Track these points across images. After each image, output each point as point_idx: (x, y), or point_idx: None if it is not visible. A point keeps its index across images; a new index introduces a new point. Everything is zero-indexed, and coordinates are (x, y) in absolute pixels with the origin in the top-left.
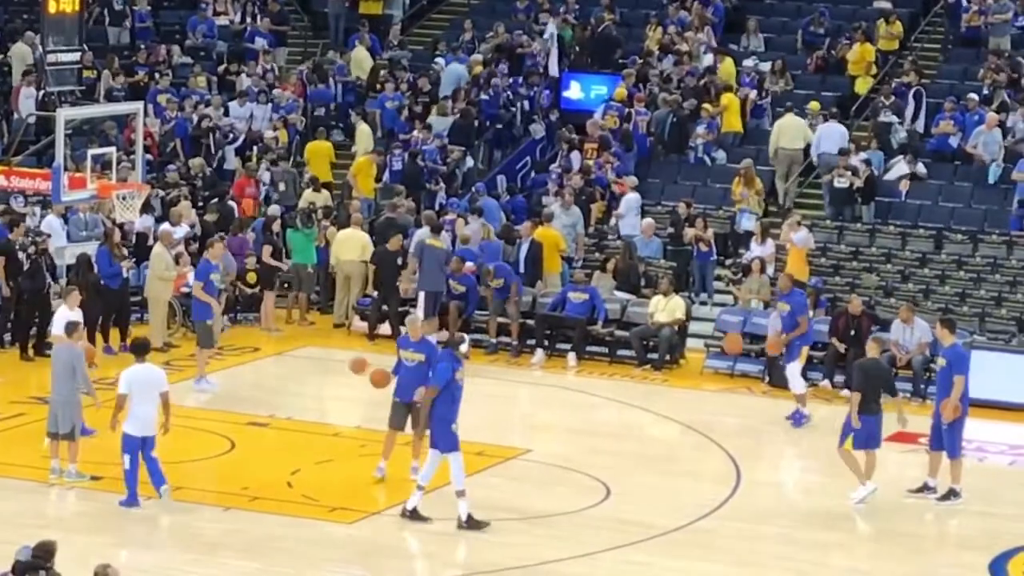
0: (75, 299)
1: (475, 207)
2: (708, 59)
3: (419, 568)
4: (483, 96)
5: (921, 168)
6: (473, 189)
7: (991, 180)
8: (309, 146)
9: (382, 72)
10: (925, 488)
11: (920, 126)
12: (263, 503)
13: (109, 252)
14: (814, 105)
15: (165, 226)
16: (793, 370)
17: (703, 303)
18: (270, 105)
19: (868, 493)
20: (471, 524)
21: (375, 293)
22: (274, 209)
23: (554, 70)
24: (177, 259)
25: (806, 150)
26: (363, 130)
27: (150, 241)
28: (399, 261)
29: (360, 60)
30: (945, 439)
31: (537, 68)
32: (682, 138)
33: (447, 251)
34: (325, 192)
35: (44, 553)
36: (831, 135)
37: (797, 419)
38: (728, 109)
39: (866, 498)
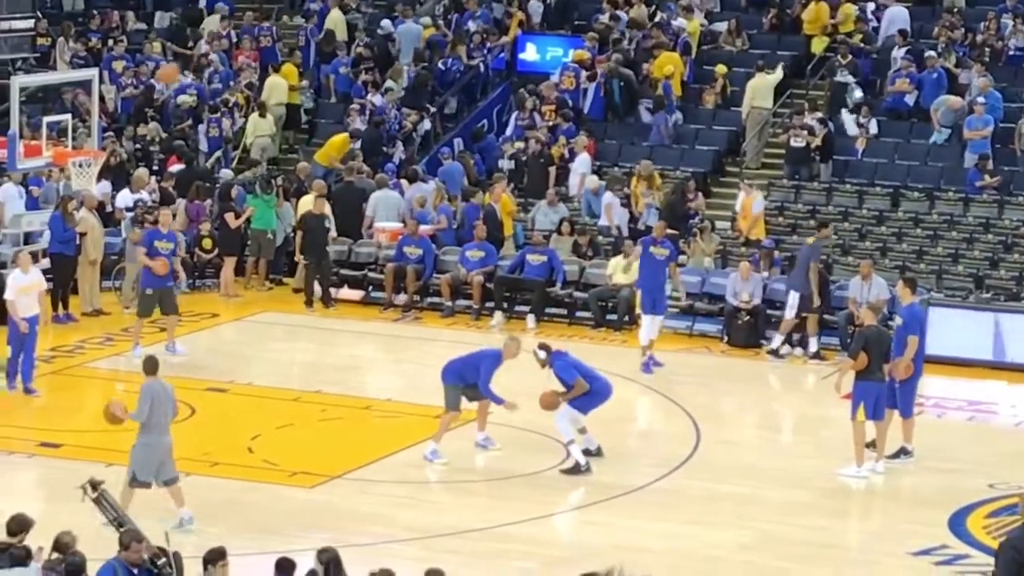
0: (27, 261)
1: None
2: (681, 21)
3: (379, 532)
4: (439, 63)
5: (873, 126)
6: (437, 152)
7: (935, 140)
8: (269, 80)
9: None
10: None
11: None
12: (224, 468)
13: (63, 218)
14: (720, 68)
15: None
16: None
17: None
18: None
19: (856, 474)
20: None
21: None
22: (227, 174)
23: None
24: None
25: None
26: (271, 82)
27: (108, 208)
28: (325, 224)
29: (335, 21)
30: (899, 398)
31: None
32: (631, 101)
33: None
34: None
35: (18, 527)
36: (895, 18)
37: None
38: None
39: (853, 477)
